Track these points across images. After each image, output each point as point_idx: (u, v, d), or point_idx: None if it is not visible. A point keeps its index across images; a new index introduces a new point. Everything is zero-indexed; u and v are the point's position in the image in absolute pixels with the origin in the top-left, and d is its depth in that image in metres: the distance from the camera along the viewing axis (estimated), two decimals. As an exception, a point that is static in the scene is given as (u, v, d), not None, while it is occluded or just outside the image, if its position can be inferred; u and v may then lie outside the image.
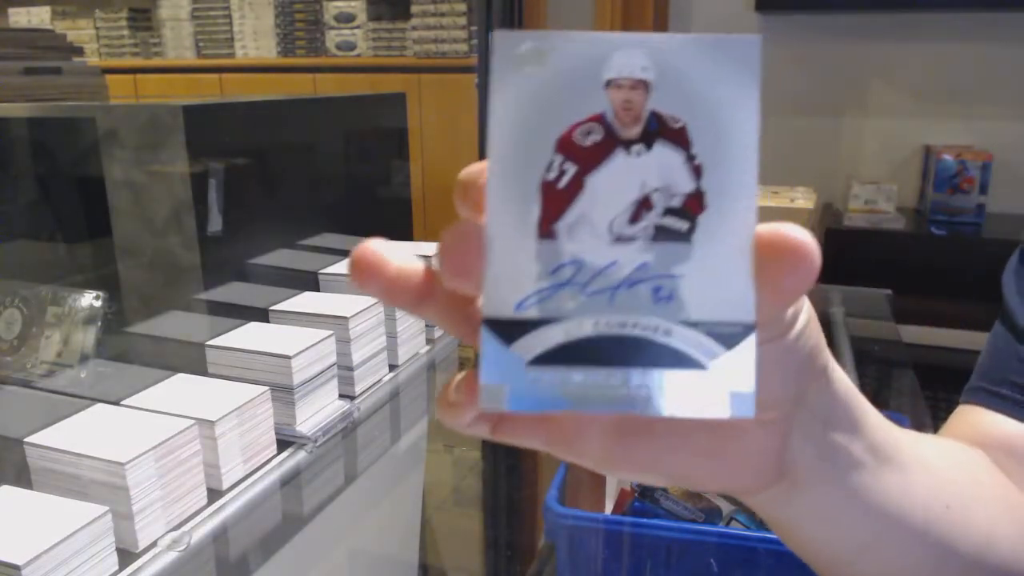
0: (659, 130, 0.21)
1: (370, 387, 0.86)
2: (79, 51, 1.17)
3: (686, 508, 0.64)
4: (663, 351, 0.21)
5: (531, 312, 0.21)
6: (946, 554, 0.35)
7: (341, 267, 0.95)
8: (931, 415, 0.82)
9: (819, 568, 0.35)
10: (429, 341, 1.01)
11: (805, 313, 0.25)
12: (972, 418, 0.46)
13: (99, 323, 0.78)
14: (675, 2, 2.37)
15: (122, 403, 0.66)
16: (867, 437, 0.30)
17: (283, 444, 0.74)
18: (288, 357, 0.72)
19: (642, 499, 0.66)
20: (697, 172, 0.21)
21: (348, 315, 0.81)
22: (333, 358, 0.79)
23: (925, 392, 0.90)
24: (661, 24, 2.32)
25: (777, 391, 0.25)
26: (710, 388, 0.21)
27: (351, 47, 2.79)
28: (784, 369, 0.25)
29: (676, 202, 0.21)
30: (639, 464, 0.27)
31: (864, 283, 1.29)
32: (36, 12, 3.08)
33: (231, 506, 0.66)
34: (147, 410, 0.65)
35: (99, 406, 0.65)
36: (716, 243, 0.21)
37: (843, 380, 0.29)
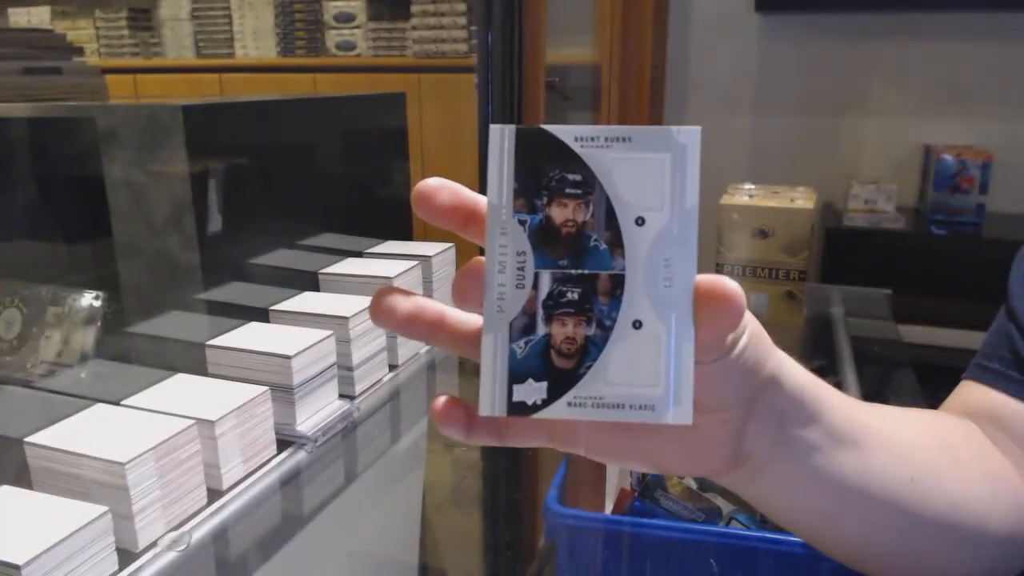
0: None
1: (370, 387, 0.86)
2: (79, 51, 1.17)
3: (686, 508, 0.64)
4: None
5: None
6: (911, 521, 0.38)
7: (341, 267, 0.95)
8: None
9: (796, 534, 0.40)
10: (429, 341, 1.01)
11: (746, 337, 0.30)
12: (966, 392, 0.49)
13: (99, 323, 0.78)
14: (675, 2, 2.37)
15: (122, 403, 0.66)
16: (824, 423, 0.35)
17: (283, 444, 0.74)
18: (288, 357, 0.72)
19: (642, 499, 0.66)
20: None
21: (348, 315, 0.81)
22: (333, 358, 0.79)
23: (925, 392, 0.90)
24: (661, 24, 2.32)
25: (726, 397, 0.31)
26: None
27: (351, 47, 2.79)
28: (730, 380, 0.30)
29: None
30: (620, 452, 0.33)
31: (864, 283, 1.29)
32: (36, 12, 3.08)
33: (231, 506, 0.66)
34: (147, 410, 0.65)
35: (99, 406, 0.65)
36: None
37: (797, 379, 0.34)
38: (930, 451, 0.41)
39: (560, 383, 0.26)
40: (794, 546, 0.55)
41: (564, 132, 0.26)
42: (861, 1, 2.22)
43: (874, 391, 0.89)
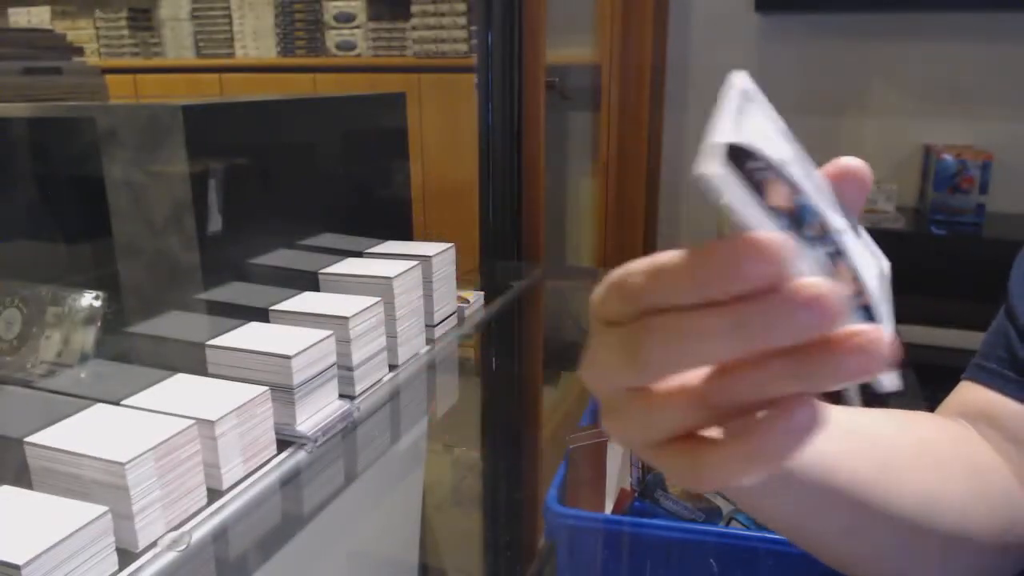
0: None
1: (370, 387, 0.86)
2: (79, 51, 1.17)
3: (686, 508, 0.64)
4: None
5: None
6: (888, 516, 0.38)
7: (341, 267, 0.95)
8: (931, 415, 0.81)
9: (782, 535, 0.40)
10: (429, 341, 1.01)
11: None
12: (964, 392, 0.49)
13: (99, 323, 0.78)
14: (675, 2, 2.37)
15: (122, 403, 0.66)
16: None
17: (283, 444, 0.74)
18: (288, 357, 0.72)
19: (642, 499, 0.66)
20: None
21: (348, 315, 0.81)
22: (333, 358, 0.79)
23: (925, 392, 0.90)
24: (661, 24, 2.32)
25: None
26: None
27: (351, 47, 2.79)
28: None
29: None
30: None
31: (864, 283, 1.29)
32: (36, 12, 3.08)
33: (231, 506, 0.66)
34: (147, 410, 0.65)
35: (99, 406, 0.65)
36: None
37: None
38: (903, 443, 0.41)
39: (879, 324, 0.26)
40: (794, 546, 0.55)
41: (727, 134, 0.23)
42: (861, 1, 2.22)
43: (874, 391, 0.89)
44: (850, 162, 0.27)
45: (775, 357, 0.23)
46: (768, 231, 0.22)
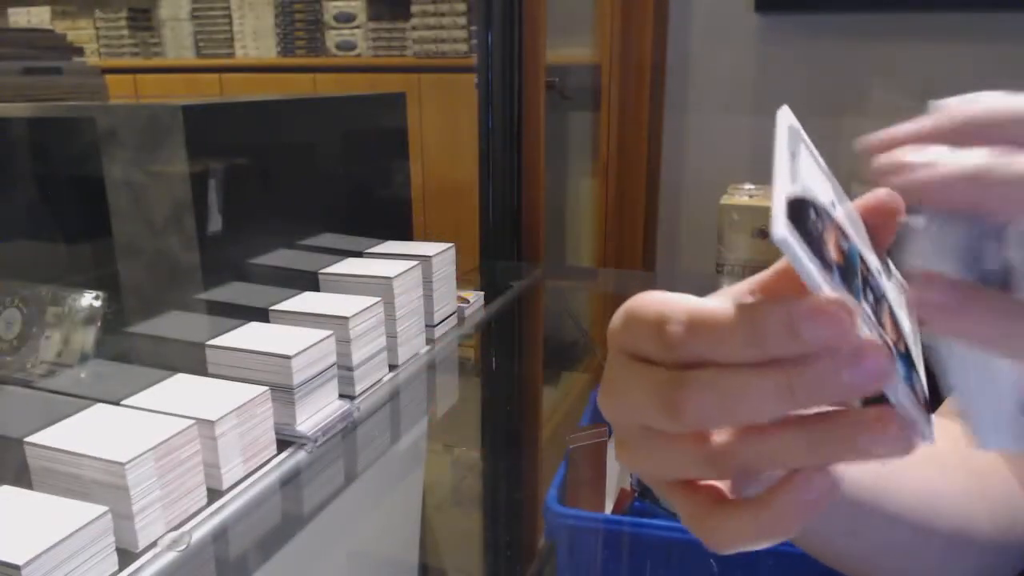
0: None
1: (370, 387, 0.86)
2: (79, 51, 1.17)
3: (686, 508, 0.64)
4: None
5: None
6: (888, 516, 0.37)
7: (341, 267, 0.95)
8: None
9: (791, 540, 0.38)
10: (429, 341, 1.01)
11: None
12: None
13: (99, 323, 0.78)
14: (675, 2, 2.37)
15: (122, 403, 0.66)
16: None
17: (283, 444, 0.74)
18: (288, 357, 0.72)
19: (642, 499, 0.66)
20: None
21: (348, 315, 0.81)
22: (333, 358, 0.79)
23: (925, 392, 0.90)
24: (661, 24, 2.32)
25: None
26: None
27: (351, 47, 2.79)
28: None
29: None
30: None
31: (864, 283, 1.29)
32: (36, 12, 3.08)
33: (231, 506, 0.66)
34: (147, 410, 0.65)
35: (99, 406, 0.65)
36: None
37: None
38: None
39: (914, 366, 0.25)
40: (794, 546, 0.55)
41: (788, 186, 0.23)
42: (861, 1, 2.22)
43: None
44: (886, 197, 0.26)
45: (793, 429, 0.22)
46: (830, 293, 0.21)
